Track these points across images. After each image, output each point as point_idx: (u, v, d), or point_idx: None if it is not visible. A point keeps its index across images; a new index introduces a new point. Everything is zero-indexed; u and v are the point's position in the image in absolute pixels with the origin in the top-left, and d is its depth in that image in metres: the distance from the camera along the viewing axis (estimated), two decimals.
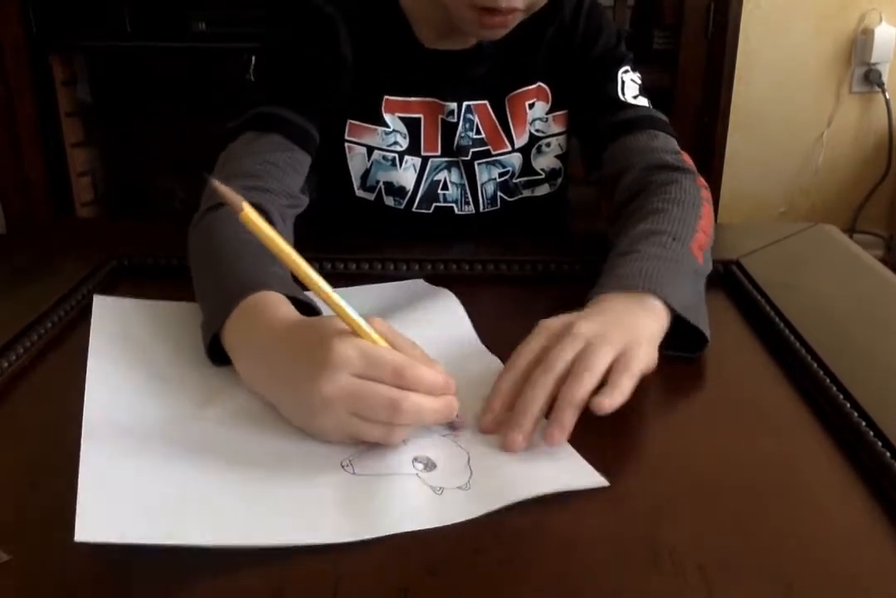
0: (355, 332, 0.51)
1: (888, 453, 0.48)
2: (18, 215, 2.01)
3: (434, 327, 0.66)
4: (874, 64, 2.23)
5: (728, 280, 0.76)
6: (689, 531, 0.44)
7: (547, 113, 0.92)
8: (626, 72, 0.90)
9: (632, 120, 0.86)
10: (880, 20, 2.21)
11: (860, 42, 2.23)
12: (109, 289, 0.75)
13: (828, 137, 2.32)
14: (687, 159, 0.84)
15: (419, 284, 0.77)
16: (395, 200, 0.91)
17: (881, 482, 0.47)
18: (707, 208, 0.77)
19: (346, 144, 0.88)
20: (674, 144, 0.86)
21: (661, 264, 0.65)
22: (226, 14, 1.84)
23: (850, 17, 2.23)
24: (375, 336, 0.51)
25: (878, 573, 0.41)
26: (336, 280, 0.73)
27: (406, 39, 0.86)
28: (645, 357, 0.55)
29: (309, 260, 0.52)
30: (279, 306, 0.58)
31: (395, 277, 0.78)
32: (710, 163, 1.97)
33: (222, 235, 0.68)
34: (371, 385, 0.49)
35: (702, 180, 0.81)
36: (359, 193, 0.91)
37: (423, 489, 0.47)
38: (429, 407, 0.50)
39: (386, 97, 0.87)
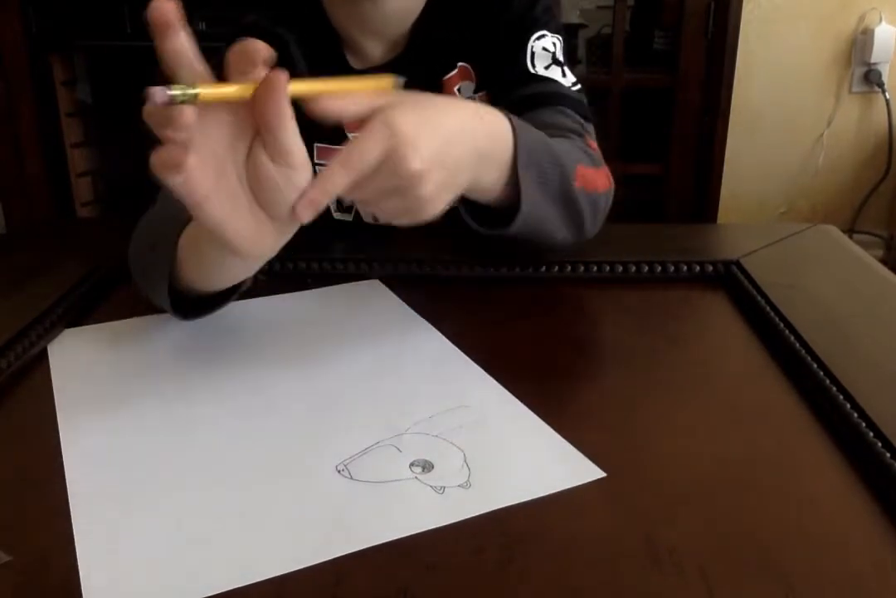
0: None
1: (888, 454, 0.48)
2: (18, 215, 2.01)
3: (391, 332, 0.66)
4: (874, 64, 2.23)
5: (728, 280, 0.76)
6: (689, 530, 0.44)
7: (474, 92, 0.85)
8: (539, 38, 0.82)
9: (537, 95, 0.79)
10: (880, 20, 2.21)
11: (860, 42, 2.23)
12: (107, 289, 0.75)
13: (828, 137, 2.32)
14: (592, 145, 0.76)
15: (374, 285, 0.76)
16: (374, 217, 0.90)
17: (881, 482, 0.47)
18: (598, 170, 0.73)
19: (317, 168, 0.87)
20: (581, 124, 0.79)
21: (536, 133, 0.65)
22: (226, 14, 1.83)
23: (850, 17, 2.23)
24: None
25: (878, 573, 0.41)
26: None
27: (340, 62, 0.83)
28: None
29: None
30: None
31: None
32: (710, 163, 1.97)
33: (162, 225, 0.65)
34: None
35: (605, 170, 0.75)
36: (336, 215, 0.90)
37: (424, 490, 0.47)
38: None
39: None
